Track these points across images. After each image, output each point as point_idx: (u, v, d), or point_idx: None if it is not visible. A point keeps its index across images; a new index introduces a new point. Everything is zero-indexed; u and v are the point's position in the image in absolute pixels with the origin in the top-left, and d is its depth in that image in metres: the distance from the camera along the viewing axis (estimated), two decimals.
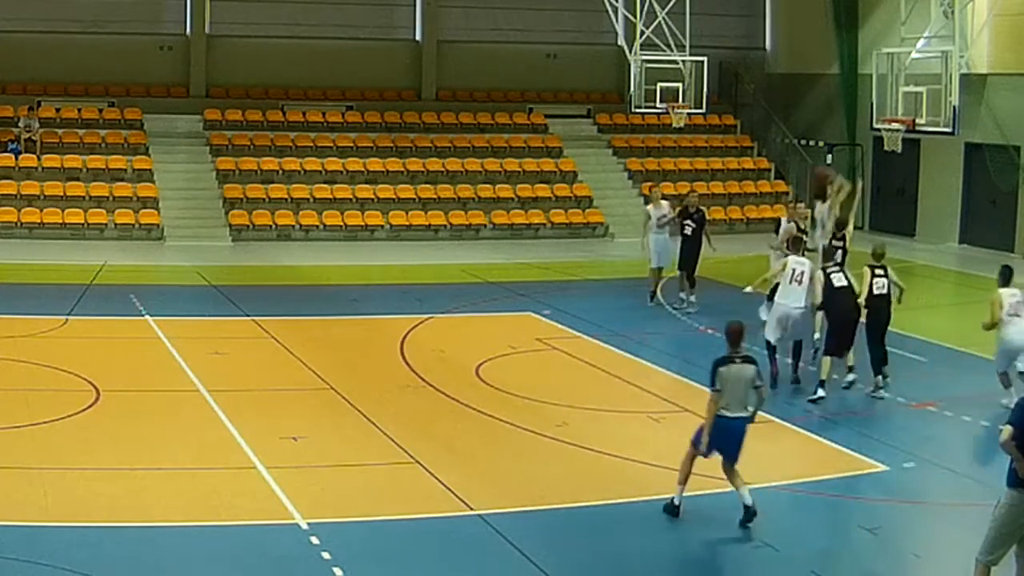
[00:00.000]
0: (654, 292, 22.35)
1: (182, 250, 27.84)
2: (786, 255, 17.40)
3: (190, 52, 33.28)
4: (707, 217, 22.43)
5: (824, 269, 16.62)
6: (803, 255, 17.17)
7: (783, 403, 15.76)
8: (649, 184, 25.01)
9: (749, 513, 11.54)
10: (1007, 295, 15.72)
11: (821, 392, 16.05)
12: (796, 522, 11.94)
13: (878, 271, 16.59)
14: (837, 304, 16.31)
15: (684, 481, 11.72)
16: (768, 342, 16.82)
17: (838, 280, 16.43)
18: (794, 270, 16.67)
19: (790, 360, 17.08)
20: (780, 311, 16.78)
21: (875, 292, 16.47)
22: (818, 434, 14.60)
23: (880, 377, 16.48)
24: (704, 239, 21.61)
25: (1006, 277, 15.86)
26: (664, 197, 22.92)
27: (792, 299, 16.59)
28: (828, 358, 16.29)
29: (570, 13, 35.60)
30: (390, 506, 11.97)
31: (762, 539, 11.25)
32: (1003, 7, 27.87)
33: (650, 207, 22.57)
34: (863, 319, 16.53)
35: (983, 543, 9.46)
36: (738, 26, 37.46)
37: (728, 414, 11.59)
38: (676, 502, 11.71)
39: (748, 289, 17.96)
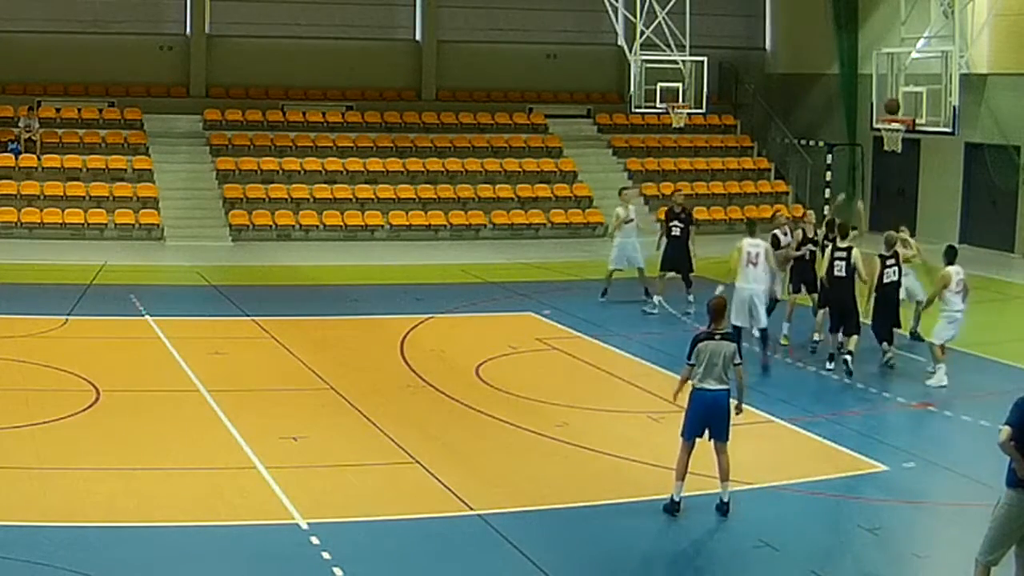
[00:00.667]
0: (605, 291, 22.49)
1: (182, 250, 27.85)
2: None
3: (190, 52, 33.28)
4: (695, 219, 22.20)
5: (834, 252, 17.46)
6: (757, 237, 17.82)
7: (783, 403, 15.77)
8: (623, 187, 25.05)
9: (721, 507, 11.77)
10: (954, 272, 16.89)
11: (831, 365, 17.44)
12: (796, 522, 11.94)
13: (889, 261, 17.42)
14: (836, 290, 17.41)
15: (682, 477, 11.74)
16: (735, 326, 17.04)
17: (839, 270, 17.34)
18: (749, 252, 17.11)
19: (758, 349, 17.54)
20: (743, 294, 17.15)
21: (885, 281, 17.38)
22: (818, 434, 14.59)
23: (887, 345, 17.55)
24: (690, 240, 21.44)
25: (951, 257, 16.99)
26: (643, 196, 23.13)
27: (751, 281, 17.01)
28: (831, 335, 17.68)
29: (570, 13, 35.61)
30: (390, 506, 11.97)
31: (762, 539, 11.26)
32: (1003, 7, 27.88)
33: (620, 209, 22.73)
34: (870, 307, 17.47)
35: (983, 543, 9.46)
36: (738, 26, 37.47)
37: (707, 387, 11.72)
38: (676, 499, 11.73)
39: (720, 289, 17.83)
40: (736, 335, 16.90)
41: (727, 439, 11.78)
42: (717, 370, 11.73)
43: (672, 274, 21.56)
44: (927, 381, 16.89)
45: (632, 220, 22.35)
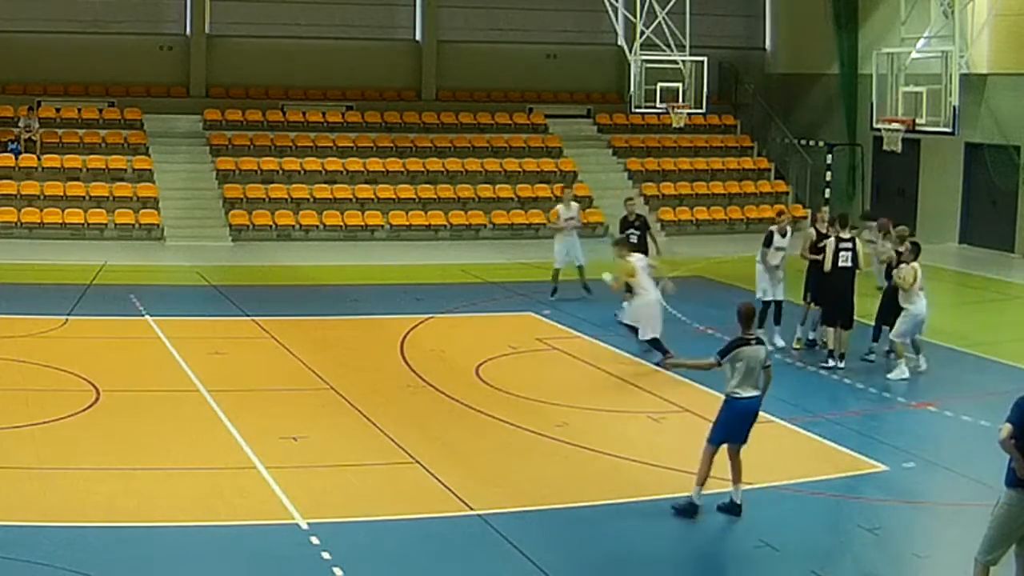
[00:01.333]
0: (555, 289, 22.73)
1: (182, 250, 27.85)
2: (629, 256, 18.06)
3: (190, 52, 33.29)
4: (649, 223, 22.02)
5: (838, 243, 17.62)
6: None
7: (783, 403, 15.76)
8: (561, 184, 25.27)
9: (734, 508, 11.71)
10: (919, 268, 17.27)
11: (832, 362, 17.61)
12: (796, 522, 11.94)
13: (903, 256, 17.63)
14: (837, 280, 17.60)
15: (703, 482, 11.63)
16: (654, 339, 17.52)
17: (844, 260, 17.62)
18: (643, 267, 17.68)
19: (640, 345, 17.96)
20: (655, 308, 17.51)
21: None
22: (818, 434, 14.59)
23: (876, 344, 18.21)
24: (651, 243, 21.37)
25: (916, 253, 17.27)
26: (576, 199, 23.65)
27: (653, 290, 17.52)
28: (830, 328, 17.83)
29: (570, 13, 35.62)
30: (390, 506, 11.97)
31: (762, 539, 11.26)
32: (1003, 7, 27.88)
33: (560, 207, 23.12)
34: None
35: (982, 543, 9.47)
36: (738, 26, 37.49)
37: (743, 394, 11.62)
38: (696, 503, 11.61)
39: (607, 277, 18.24)
40: (658, 346, 17.53)
41: (745, 443, 11.74)
42: (755, 376, 11.64)
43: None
44: (888, 375, 17.16)
45: (572, 217, 22.80)
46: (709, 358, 11.87)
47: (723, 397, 11.85)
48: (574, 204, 23.45)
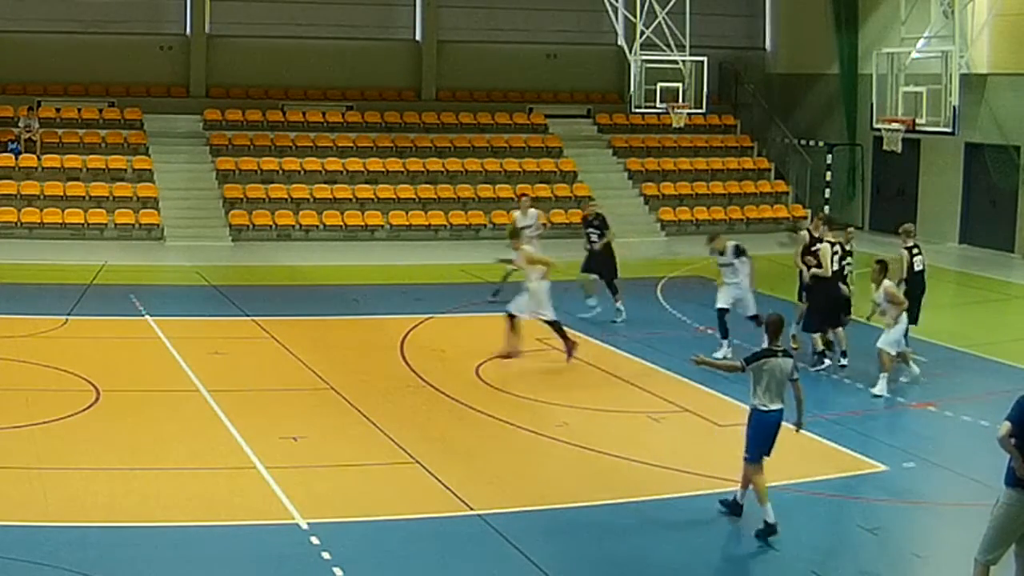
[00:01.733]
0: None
1: (182, 250, 27.84)
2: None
3: (190, 52, 33.29)
4: (609, 223, 21.98)
5: (833, 245, 17.73)
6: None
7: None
8: (521, 192, 25.24)
9: (736, 508, 11.67)
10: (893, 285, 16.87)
11: (827, 362, 17.59)
12: (796, 522, 11.92)
13: (915, 251, 17.85)
14: (833, 283, 17.64)
15: (766, 498, 11.41)
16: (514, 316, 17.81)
17: (836, 262, 17.74)
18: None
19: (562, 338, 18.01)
20: (546, 293, 17.83)
21: (915, 269, 17.75)
22: (818, 434, 14.57)
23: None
24: (608, 244, 21.42)
25: (884, 271, 16.70)
26: (533, 205, 23.79)
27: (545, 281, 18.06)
28: (817, 335, 17.82)
29: (570, 13, 35.61)
30: (390, 506, 11.98)
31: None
32: (1003, 7, 27.89)
33: (517, 213, 23.07)
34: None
35: (982, 542, 9.48)
36: (738, 26, 37.48)
37: (769, 407, 11.52)
38: (770, 522, 11.31)
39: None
40: (558, 325, 17.91)
41: (768, 456, 11.62)
42: (779, 388, 11.53)
43: (595, 276, 21.50)
44: (871, 388, 16.52)
45: (530, 225, 22.54)
46: (735, 362, 11.88)
47: (748, 409, 11.72)
48: (532, 211, 23.19)
